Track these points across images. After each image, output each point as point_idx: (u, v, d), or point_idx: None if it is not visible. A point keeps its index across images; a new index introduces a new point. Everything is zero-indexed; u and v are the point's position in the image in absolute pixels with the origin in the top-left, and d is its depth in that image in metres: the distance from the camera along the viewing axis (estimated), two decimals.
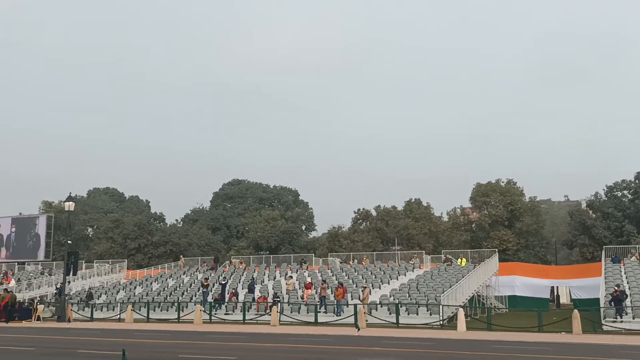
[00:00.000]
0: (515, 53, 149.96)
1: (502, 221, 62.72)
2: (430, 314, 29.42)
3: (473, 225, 67.24)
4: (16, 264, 58.67)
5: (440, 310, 28.89)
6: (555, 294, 51.03)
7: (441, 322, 28.24)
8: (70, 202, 39.04)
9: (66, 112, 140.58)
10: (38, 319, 35.08)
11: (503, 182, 65.46)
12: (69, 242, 43.87)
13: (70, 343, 19.95)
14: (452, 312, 29.75)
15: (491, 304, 40.75)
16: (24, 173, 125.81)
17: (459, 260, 43.03)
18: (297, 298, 35.62)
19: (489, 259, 42.32)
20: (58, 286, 43.07)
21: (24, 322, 34.37)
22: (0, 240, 59.58)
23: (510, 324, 26.71)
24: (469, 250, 49.54)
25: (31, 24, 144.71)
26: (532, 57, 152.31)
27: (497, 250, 49.55)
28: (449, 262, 42.17)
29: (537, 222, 62.75)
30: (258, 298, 35.80)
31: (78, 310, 37.93)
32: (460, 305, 29.98)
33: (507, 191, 63.62)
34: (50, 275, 51.89)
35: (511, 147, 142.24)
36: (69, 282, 43.12)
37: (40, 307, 36.46)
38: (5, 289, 40.18)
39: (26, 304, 38.45)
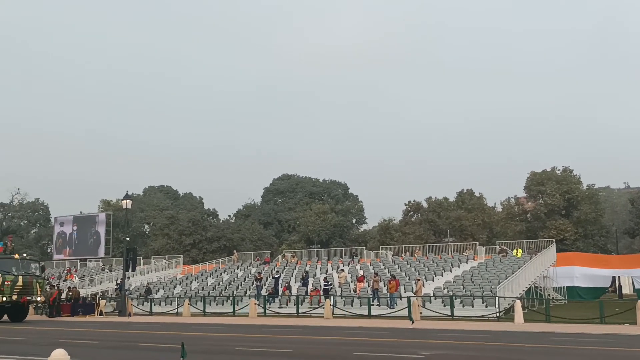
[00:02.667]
0: (574, 33, 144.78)
1: (559, 210, 60.97)
2: (486, 306, 28.95)
3: (528, 215, 65.69)
4: (78, 261, 61.08)
5: (496, 302, 28.38)
6: (617, 284, 49.32)
7: (497, 314, 27.73)
8: (128, 200, 40.28)
9: (121, 116, 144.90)
10: (101, 313, 36.42)
11: (559, 170, 63.65)
12: (127, 239, 45.31)
13: (132, 336, 20.60)
14: (508, 304, 29.18)
15: (549, 295, 39.75)
16: (83, 174, 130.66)
17: (515, 251, 42.12)
18: (350, 291, 35.69)
19: (546, 250, 41.27)
20: (118, 282, 44.59)
21: (87, 316, 35.75)
22: (64, 238, 62.08)
23: (570, 315, 25.97)
24: (524, 240, 48.42)
25: (92, 34, 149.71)
26: (591, 38, 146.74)
27: (554, 240, 48.26)
28: (504, 253, 41.33)
29: (596, 211, 60.71)
30: (311, 291, 36.07)
31: (138, 304, 39.16)
32: (517, 297, 29.37)
33: (564, 179, 61.81)
34: (110, 271, 53.78)
35: (566, 133, 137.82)
36: (129, 277, 44.60)
37: (103, 302, 37.84)
38: (52, 285, 41.99)
39: (89, 299, 39.99)
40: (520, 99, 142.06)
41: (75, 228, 61.56)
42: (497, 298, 28.73)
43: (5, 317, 30.70)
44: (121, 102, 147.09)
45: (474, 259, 41.36)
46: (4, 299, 28.85)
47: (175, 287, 45.99)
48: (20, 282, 29.32)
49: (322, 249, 55.40)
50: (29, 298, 30.12)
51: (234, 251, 58.41)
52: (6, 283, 28.84)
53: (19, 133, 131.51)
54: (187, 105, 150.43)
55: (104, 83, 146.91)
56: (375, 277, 34.78)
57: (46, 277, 38.43)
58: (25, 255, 33.45)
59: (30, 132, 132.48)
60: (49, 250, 78.39)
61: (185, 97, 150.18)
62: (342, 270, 40.37)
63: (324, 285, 35.68)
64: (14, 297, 29.14)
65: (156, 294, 43.80)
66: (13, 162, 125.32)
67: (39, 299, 31.49)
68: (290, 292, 37.18)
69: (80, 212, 68.84)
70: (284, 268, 45.53)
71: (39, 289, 30.85)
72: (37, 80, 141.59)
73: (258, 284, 38.68)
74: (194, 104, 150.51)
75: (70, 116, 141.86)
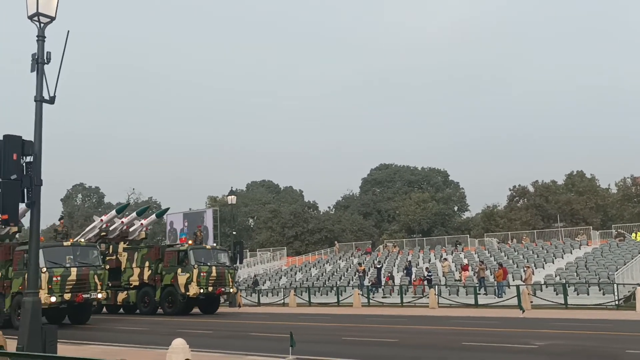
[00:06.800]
0: None
1: None
2: (603, 294, 27.36)
3: None
4: None
5: (615, 290, 26.70)
6: None
7: (616, 303, 26.08)
8: (232, 196, 41.95)
9: (222, 125, 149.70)
10: None
11: None
12: (234, 232, 47.18)
13: (242, 326, 21.42)
14: (628, 292, 27.37)
15: None
16: (192, 172, 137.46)
17: (634, 234, 39.37)
18: (454, 280, 35.01)
19: None
20: None
21: None
22: (175, 234, 65.65)
23: None
24: None
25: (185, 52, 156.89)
26: None
27: None
28: (622, 237, 38.79)
29: None
30: (414, 281, 35.78)
31: (246, 296, 40.67)
32: (638, 284, 27.43)
33: None
34: None
35: None
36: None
37: None
38: None
39: None
40: (631, 66, 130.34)
41: (185, 224, 64.85)
42: (615, 285, 27.04)
43: (196, 309, 29.23)
44: (225, 115, 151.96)
45: (587, 245, 39.17)
46: (201, 290, 26.88)
47: (280, 278, 47.31)
48: (214, 273, 27.38)
49: (424, 238, 54.71)
50: (223, 289, 28.10)
51: (336, 242, 59.08)
52: (202, 274, 26.90)
53: (135, 144, 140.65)
54: (280, 111, 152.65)
55: (212, 101, 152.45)
56: (481, 265, 33.87)
57: (236, 268, 35.08)
58: (214, 244, 31.51)
59: (144, 142, 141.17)
60: None
61: (279, 105, 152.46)
62: (446, 259, 39.67)
63: (427, 274, 35.30)
64: (210, 289, 27.19)
65: (263, 285, 45.30)
66: (129, 168, 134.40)
67: (231, 290, 29.24)
68: (393, 282, 37.08)
69: (190, 209, 72.38)
70: (386, 258, 45.45)
71: (231, 280, 28.70)
72: (147, 96, 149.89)
73: (361, 274, 38.89)
74: (287, 109, 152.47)
75: (181, 128, 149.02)
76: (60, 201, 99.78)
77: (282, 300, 37.56)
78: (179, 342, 8.75)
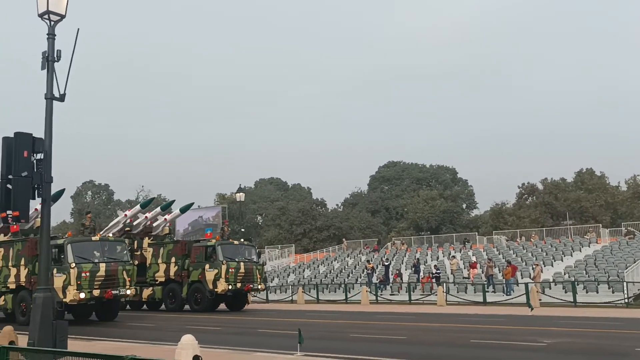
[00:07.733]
0: None
1: None
2: (613, 292, 27.27)
3: None
4: None
5: (624, 288, 26.60)
6: None
7: (626, 301, 25.96)
8: (241, 193, 42.08)
9: (232, 125, 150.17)
10: None
11: None
12: (242, 230, 47.23)
13: (251, 323, 21.49)
14: (638, 290, 27.27)
15: None
16: (200, 170, 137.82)
17: None
18: (462, 278, 34.97)
19: None
20: None
21: None
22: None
23: None
24: None
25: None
26: None
27: None
28: (632, 236, 38.56)
29: None
30: (422, 278, 35.77)
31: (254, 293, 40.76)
32: None
33: None
34: None
35: None
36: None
37: None
38: None
39: None
40: (636, 65, 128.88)
41: (198, 218, 64.84)
42: (624, 283, 26.93)
43: (222, 305, 28.57)
44: (233, 114, 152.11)
45: (597, 242, 38.99)
46: (230, 287, 26.02)
47: (288, 275, 47.41)
48: (242, 269, 26.61)
49: (432, 236, 54.62)
50: (251, 286, 27.24)
51: (343, 239, 59.04)
52: (230, 270, 26.10)
53: (144, 142, 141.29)
54: (288, 109, 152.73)
55: (220, 100, 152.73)
56: (489, 262, 33.81)
57: (264, 264, 34.45)
58: (242, 240, 30.64)
59: (153, 141, 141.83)
60: None
61: (287, 103, 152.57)
62: (454, 256, 39.62)
63: (435, 272, 35.27)
64: (238, 285, 26.40)
65: (271, 282, 45.40)
66: (138, 166, 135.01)
67: (259, 287, 28.23)
68: (401, 279, 37.07)
69: (198, 206, 72.43)
70: (394, 255, 45.44)
71: (259, 276, 27.71)
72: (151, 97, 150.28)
73: (369, 271, 38.91)
74: (295, 107, 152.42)
75: (189, 126, 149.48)
76: (71, 198, 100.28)
77: (290, 298, 37.65)
78: (188, 339, 8.81)
